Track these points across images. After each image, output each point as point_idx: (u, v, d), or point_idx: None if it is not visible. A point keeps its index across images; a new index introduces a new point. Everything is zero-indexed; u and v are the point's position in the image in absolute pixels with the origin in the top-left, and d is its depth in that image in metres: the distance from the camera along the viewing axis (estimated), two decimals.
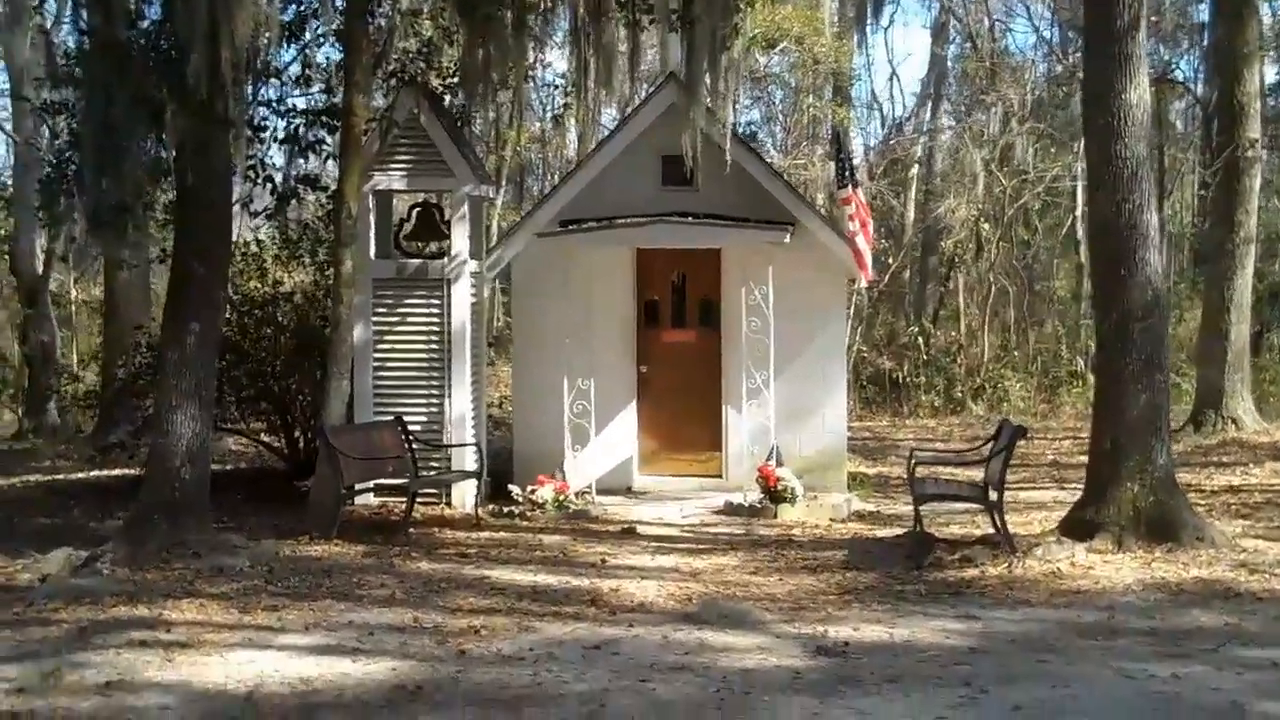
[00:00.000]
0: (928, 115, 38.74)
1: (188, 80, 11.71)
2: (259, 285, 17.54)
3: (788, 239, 14.99)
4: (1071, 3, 35.56)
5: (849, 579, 11.23)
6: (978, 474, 14.04)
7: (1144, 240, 11.91)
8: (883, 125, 39.49)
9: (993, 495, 12.31)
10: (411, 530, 13.54)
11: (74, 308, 31.42)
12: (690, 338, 16.23)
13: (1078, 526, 11.94)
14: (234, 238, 14.77)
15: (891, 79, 55.93)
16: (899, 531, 13.43)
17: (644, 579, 11.28)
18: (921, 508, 12.53)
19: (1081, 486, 16.87)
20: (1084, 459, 19.70)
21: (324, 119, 14.76)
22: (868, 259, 15.45)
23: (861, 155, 34.38)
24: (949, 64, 38.41)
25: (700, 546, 12.87)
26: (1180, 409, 21.06)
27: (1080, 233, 35.60)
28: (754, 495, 14.61)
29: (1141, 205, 11.92)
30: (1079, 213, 34.88)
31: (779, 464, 14.79)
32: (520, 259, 16.00)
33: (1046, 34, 36.59)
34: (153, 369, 15.69)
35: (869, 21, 35.71)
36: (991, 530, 12.71)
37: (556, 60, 31.96)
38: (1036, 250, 34.32)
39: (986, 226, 30.91)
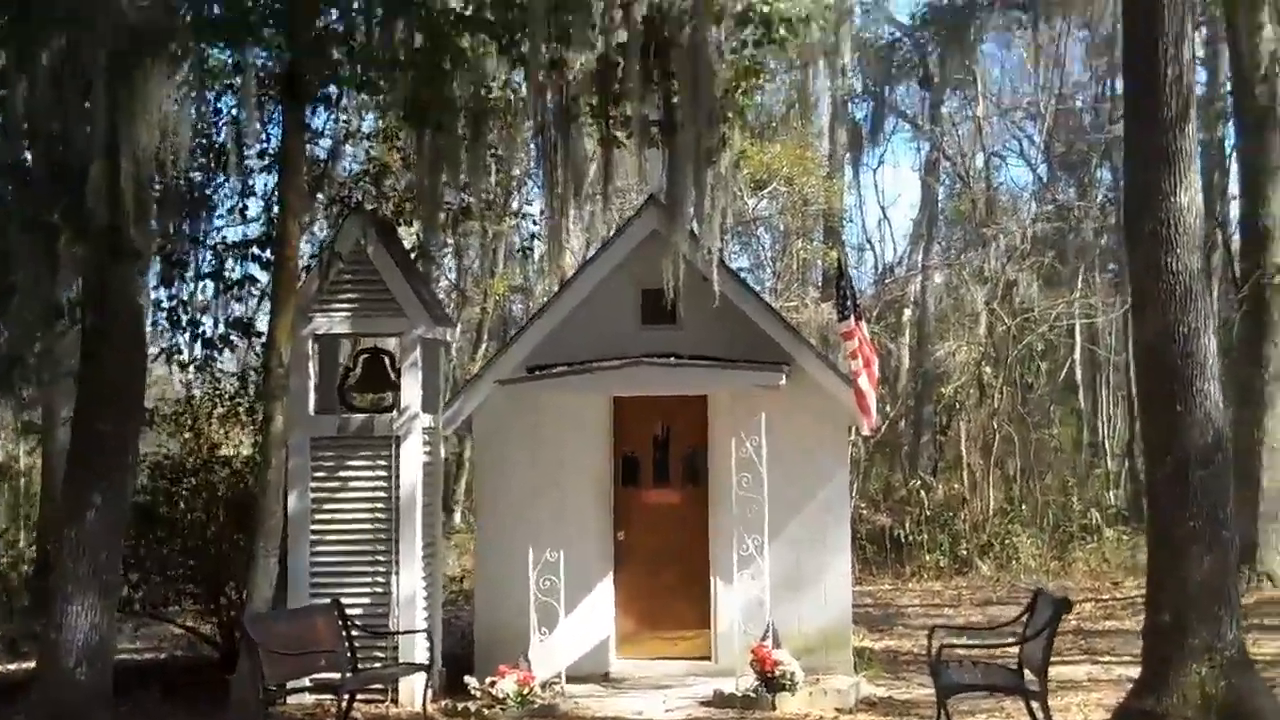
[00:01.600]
0: (920, 257, 37.45)
1: (86, 201, 10.08)
2: (194, 448, 15.72)
3: (783, 381, 13.26)
4: (1065, 135, 34.69)
5: None
6: (998, 644, 12.24)
7: (1201, 369, 10.20)
8: (875, 268, 38.24)
9: (1030, 682, 10.44)
10: None
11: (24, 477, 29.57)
12: (674, 498, 14.39)
13: (1134, 716, 10.00)
14: (160, 393, 13.08)
15: (882, 221, 54.78)
16: None
17: None
18: (947, 699, 10.54)
19: (1116, 658, 15.15)
20: (1110, 624, 18.04)
21: (255, 251, 13.06)
22: (871, 402, 13.68)
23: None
24: (939, 205, 37.26)
25: None
26: None
27: (1079, 375, 34.21)
28: (748, 681, 12.65)
29: (1198, 328, 10.24)
30: (1077, 355, 33.53)
31: (775, 644, 12.86)
32: (482, 411, 14.25)
33: (1040, 171, 35.56)
34: None
35: (864, 149, 34.89)
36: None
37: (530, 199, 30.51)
38: (1040, 396, 32.70)
39: (988, 370, 29.26)
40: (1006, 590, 21.78)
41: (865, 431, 14.74)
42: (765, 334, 13.89)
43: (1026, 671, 10.76)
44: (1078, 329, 32.14)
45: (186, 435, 15.64)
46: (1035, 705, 10.24)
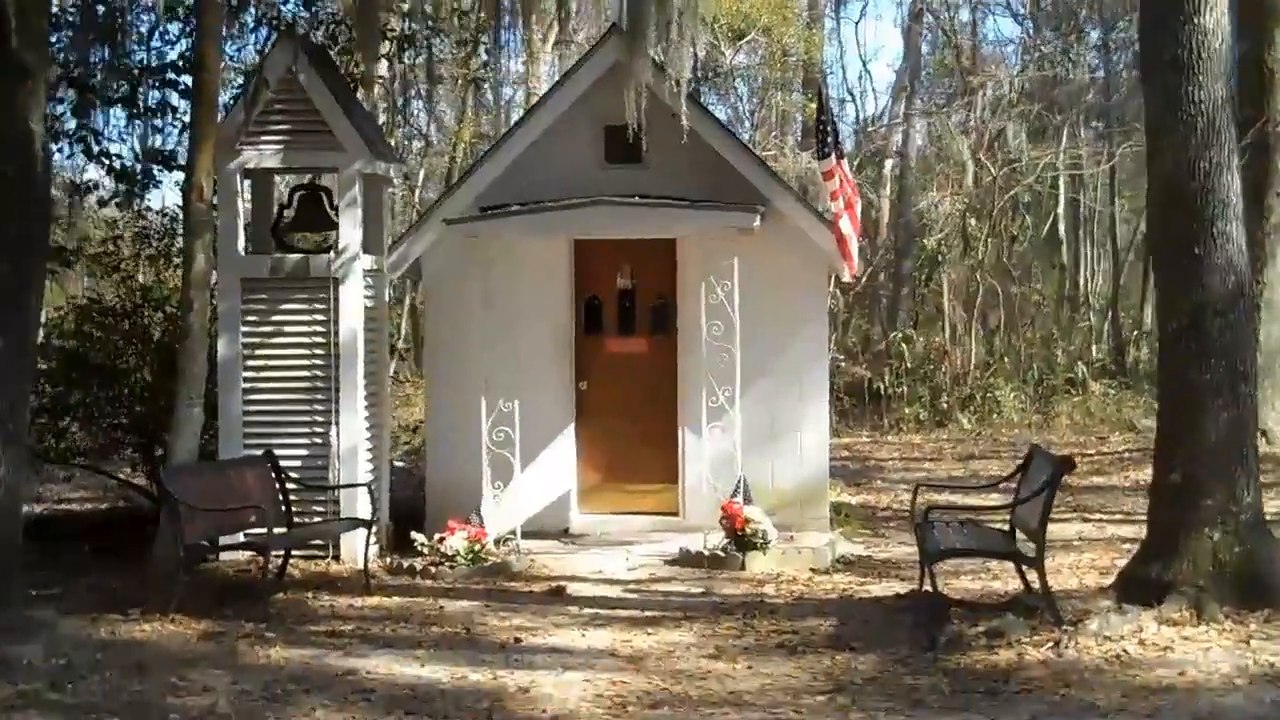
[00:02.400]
0: (902, 109, 36.08)
1: None
2: (125, 292, 14.62)
3: (757, 223, 12.20)
4: None
5: (841, 665, 8.41)
6: (989, 506, 11.41)
7: (1224, 209, 9.16)
8: (856, 120, 36.84)
9: (1024, 545, 9.60)
10: (281, 595, 10.69)
11: None
12: (640, 347, 13.41)
13: (1140, 586, 9.07)
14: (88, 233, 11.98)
15: (863, 75, 53.07)
16: (899, 588, 10.63)
17: (567, 669, 8.44)
18: (933, 564, 9.59)
19: (1108, 516, 14.34)
20: (1099, 480, 17.24)
21: (173, 78, 11.84)
22: (853, 246, 12.61)
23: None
24: (923, 58, 35.82)
25: (647, 613, 10.02)
26: None
27: (1062, 230, 33.17)
28: (716, 538, 11.80)
29: (1220, 164, 9.17)
30: (1060, 209, 32.47)
31: (747, 500, 11.97)
32: (432, 254, 13.16)
33: (1026, 26, 34.14)
34: None
35: None
36: (1021, 587, 9.98)
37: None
38: (1023, 250, 31.69)
39: (973, 221, 28.20)
40: (989, 444, 21.02)
41: (846, 277, 13.73)
42: (739, 174, 12.77)
43: (1018, 532, 9.92)
44: (1062, 182, 31.04)
45: (115, 277, 14.52)
46: (1034, 574, 9.31)
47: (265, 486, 11.14)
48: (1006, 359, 26.72)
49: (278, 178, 13.58)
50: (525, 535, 12.42)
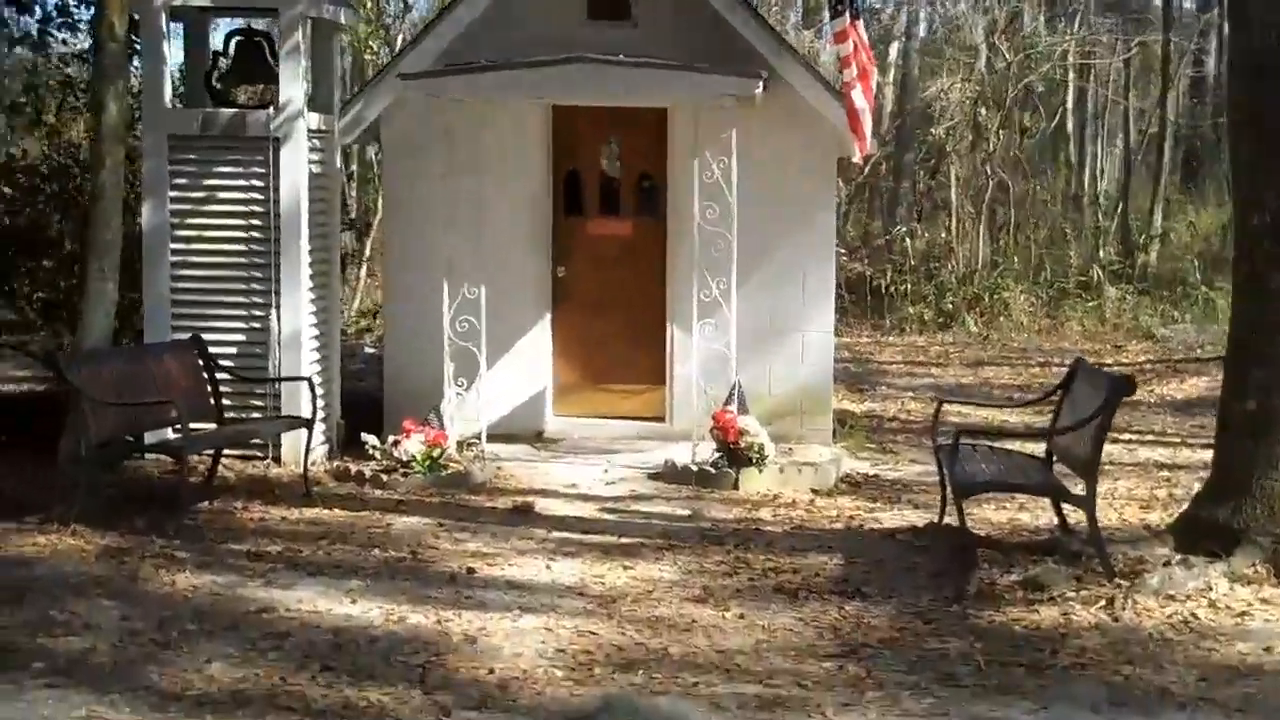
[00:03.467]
0: None
1: None
2: (54, 148, 13.06)
3: (759, 91, 10.62)
4: None
5: (851, 619, 7.04)
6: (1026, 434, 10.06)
7: None
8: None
9: (1068, 479, 8.26)
10: (207, 505, 9.30)
11: None
12: (625, 230, 11.93)
13: (1204, 532, 7.65)
14: None
15: None
16: (914, 518, 9.28)
17: (525, 611, 7.08)
18: (964, 500, 8.13)
19: (1137, 437, 12.90)
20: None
21: None
22: (866, 122, 11.03)
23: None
24: None
25: (624, 540, 8.64)
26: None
27: (1070, 127, 31.55)
28: (706, 450, 10.43)
29: None
30: (1069, 104, 30.88)
31: (742, 408, 10.56)
32: (390, 117, 11.57)
33: None
34: None
35: None
36: (1056, 521, 8.64)
37: None
38: (1033, 143, 30.00)
39: (983, 111, 26.52)
40: (997, 349, 19.58)
41: (857, 157, 12.12)
42: (740, 37, 11.14)
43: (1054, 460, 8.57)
44: (1072, 75, 29.29)
45: (38, 133, 12.96)
46: (1084, 516, 7.86)
47: (190, 377, 9.70)
48: (1015, 259, 25.18)
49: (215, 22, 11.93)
50: (493, 439, 11.04)
